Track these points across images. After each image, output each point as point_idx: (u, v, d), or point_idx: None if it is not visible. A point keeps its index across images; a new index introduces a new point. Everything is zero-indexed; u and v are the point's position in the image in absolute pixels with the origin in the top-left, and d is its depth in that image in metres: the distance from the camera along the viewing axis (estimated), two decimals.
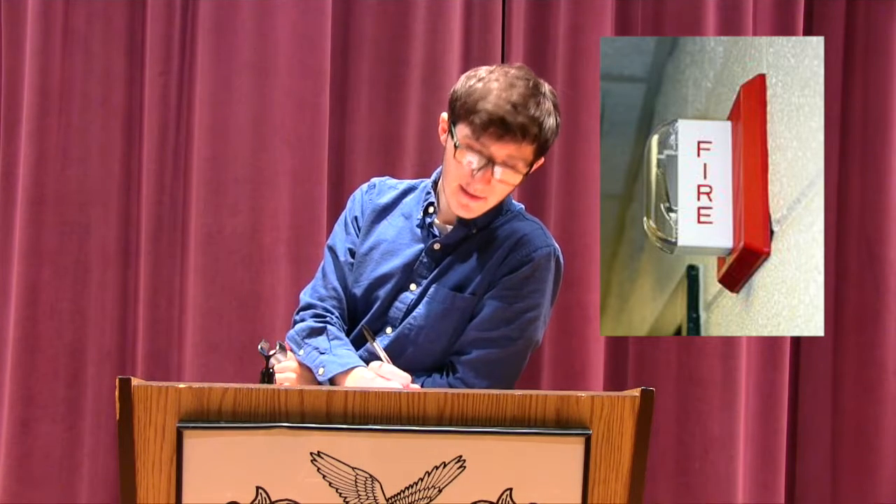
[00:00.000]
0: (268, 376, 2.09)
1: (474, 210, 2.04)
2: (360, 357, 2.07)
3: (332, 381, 2.01)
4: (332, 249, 2.20)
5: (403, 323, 2.09)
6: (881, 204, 3.22)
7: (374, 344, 2.07)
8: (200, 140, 3.03)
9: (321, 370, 2.03)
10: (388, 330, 2.11)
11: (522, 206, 2.18)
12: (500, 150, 1.94)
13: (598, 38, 3.08)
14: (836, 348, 3.27)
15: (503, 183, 1.98)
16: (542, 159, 2.05)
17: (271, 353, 2.13)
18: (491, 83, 1.95)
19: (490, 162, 1.95)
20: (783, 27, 3.20)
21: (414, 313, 2.09)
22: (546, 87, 2.00)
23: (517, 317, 2.05)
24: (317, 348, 2.08)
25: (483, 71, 2.01)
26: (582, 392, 1.50)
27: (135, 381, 1.45)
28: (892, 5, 3.21)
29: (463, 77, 2.03)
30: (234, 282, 3.03)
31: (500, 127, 1.92)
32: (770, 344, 3.21)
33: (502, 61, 3.12)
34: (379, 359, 2.05)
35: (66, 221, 3.04)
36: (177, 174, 3.08)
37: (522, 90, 1.94)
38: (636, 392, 1.49)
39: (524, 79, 1.97)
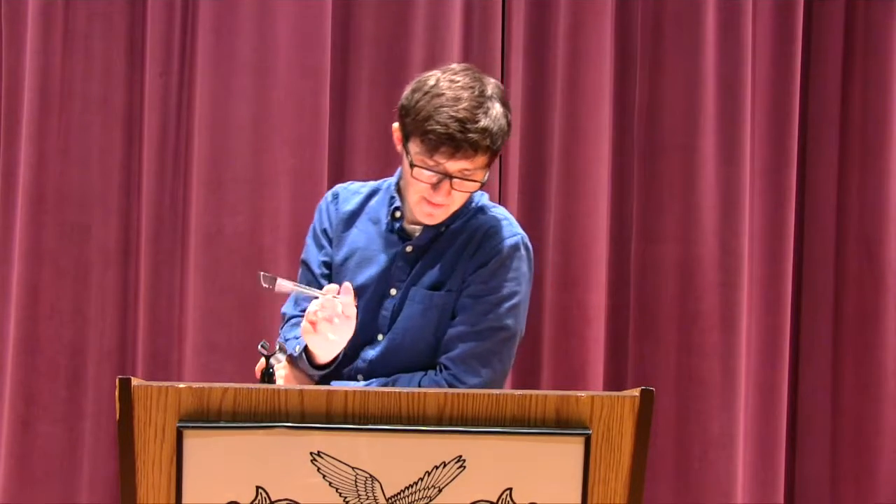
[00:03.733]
0: (268, 376, 2.09)
1: (439, 217, 2.07)
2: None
3: (306, 350, 2.05)
4: (305, 263, 2.24)
5: (392, 328, 2.12)
6: (881, 204, 3.21)
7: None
8: (200, 140, 3.03)
9: (297, 349, 2.08)
10: (380, 337, 2.13)
11: (486, 195, 2.19)
12: (454, 165, 1.98)
13: (598, 38, 3.08)
14: (836, 348, 3.26)
15: (463, 192, 2.02)
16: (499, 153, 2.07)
17: (271, 353, 2.14)
18: (436, 98, 1.96)
19: (446, 176, 1.98)
20: (783, 27, 3.19)
21: (399, 317, 2.12)
22: (491, 88, 2.01)
23: (496, 307, 2.07)
24: (287, 339, 2.15)
25: (432, 79, 2.01)
26: (582, 392, 1.50)
27: (135, 381, 1.46)
28: (891, 5, 3.21)
29: (409, 87, 2.03)
30: (234, 282, 3.03)
31: (450, 146, 1.95)
32: (770, 344, 3.20)
33: (502, 61, 3.13)
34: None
35: (66, 222, 3.04)
36: (177, 174, 3.08)
37: (468, 103, 1.96)
38: (636, 392, 1.49)
39: (468, 87, 1.98)
